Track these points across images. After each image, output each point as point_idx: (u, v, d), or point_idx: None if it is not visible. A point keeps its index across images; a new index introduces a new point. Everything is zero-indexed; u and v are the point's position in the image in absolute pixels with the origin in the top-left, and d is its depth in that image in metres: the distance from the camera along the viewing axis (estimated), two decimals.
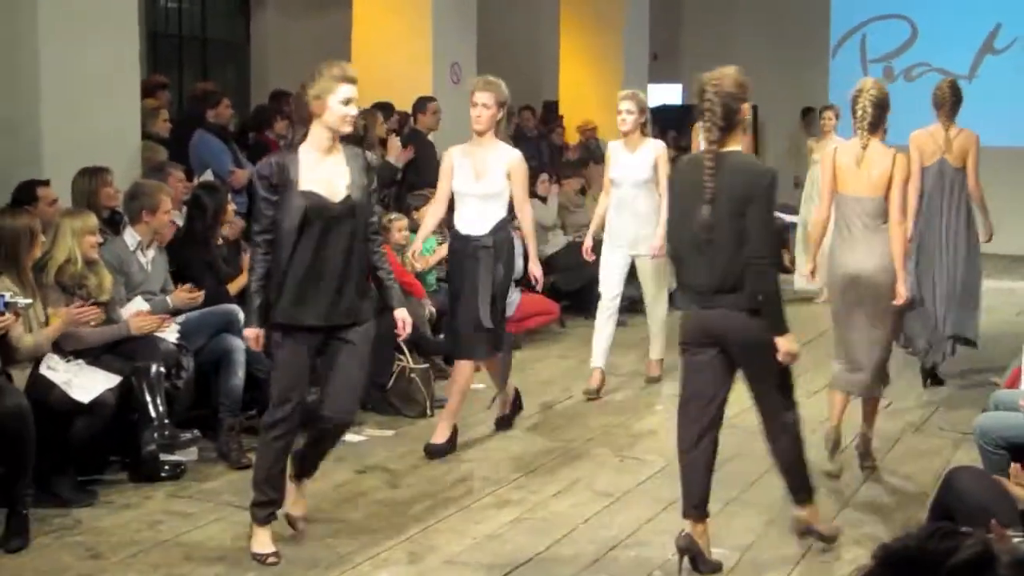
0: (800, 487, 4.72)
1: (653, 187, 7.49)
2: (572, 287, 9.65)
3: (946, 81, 7.45)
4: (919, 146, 7.25)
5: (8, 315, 4.85)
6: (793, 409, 4.61)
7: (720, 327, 4.44)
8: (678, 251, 4.58)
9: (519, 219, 6.41)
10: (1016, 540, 3.12)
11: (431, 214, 6.47)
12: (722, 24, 16.92)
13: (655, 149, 7.53)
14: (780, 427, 4.61)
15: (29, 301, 5.03)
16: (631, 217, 7.49)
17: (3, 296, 4.87)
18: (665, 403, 7.30)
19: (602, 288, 7.62)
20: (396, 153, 8.90)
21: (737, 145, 4.47)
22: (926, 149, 7.28)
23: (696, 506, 4.55)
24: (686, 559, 4.51)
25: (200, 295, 6.11)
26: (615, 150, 7.62)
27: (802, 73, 16.28)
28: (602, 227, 7.68)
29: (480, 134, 6.09)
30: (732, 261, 4.32)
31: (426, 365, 7.02)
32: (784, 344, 4.37)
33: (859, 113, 5.61)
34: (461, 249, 6.14)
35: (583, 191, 10.87)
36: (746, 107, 4.42)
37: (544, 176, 10.13)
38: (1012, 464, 3.90)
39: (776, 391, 4.56)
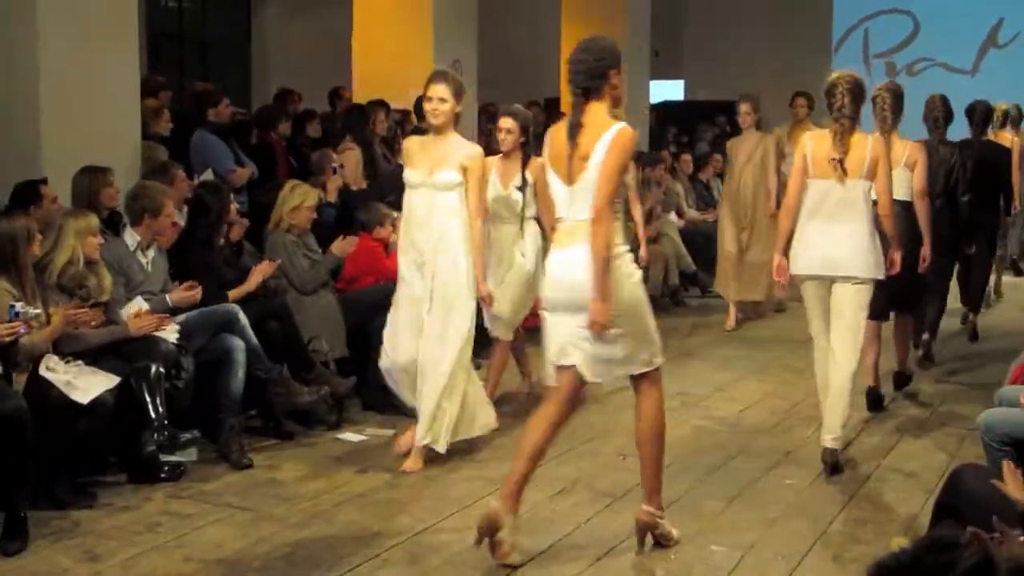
0: None
1: None
2: None
3: (1017, 105, 10.66)
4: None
5: (19, 324, 4.86)
6: None
7: None
8: None
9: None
10: (1020, 539, 3.08)
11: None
12: (724, 21, 16.91)
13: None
14: None
15: (39, 312, 5.03)
16: None
17: (14, 306, 4.89)
18: (666, 402, 7.25)
19: None
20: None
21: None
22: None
23: None
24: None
25: (198, 291, 6.09)
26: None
27: (804, 69, 16.21)
28: None
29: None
30: None
31: None
32: None
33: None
34: None
35: None
36: None
37: None
38: (1005, 463, 3.85)
39: None
